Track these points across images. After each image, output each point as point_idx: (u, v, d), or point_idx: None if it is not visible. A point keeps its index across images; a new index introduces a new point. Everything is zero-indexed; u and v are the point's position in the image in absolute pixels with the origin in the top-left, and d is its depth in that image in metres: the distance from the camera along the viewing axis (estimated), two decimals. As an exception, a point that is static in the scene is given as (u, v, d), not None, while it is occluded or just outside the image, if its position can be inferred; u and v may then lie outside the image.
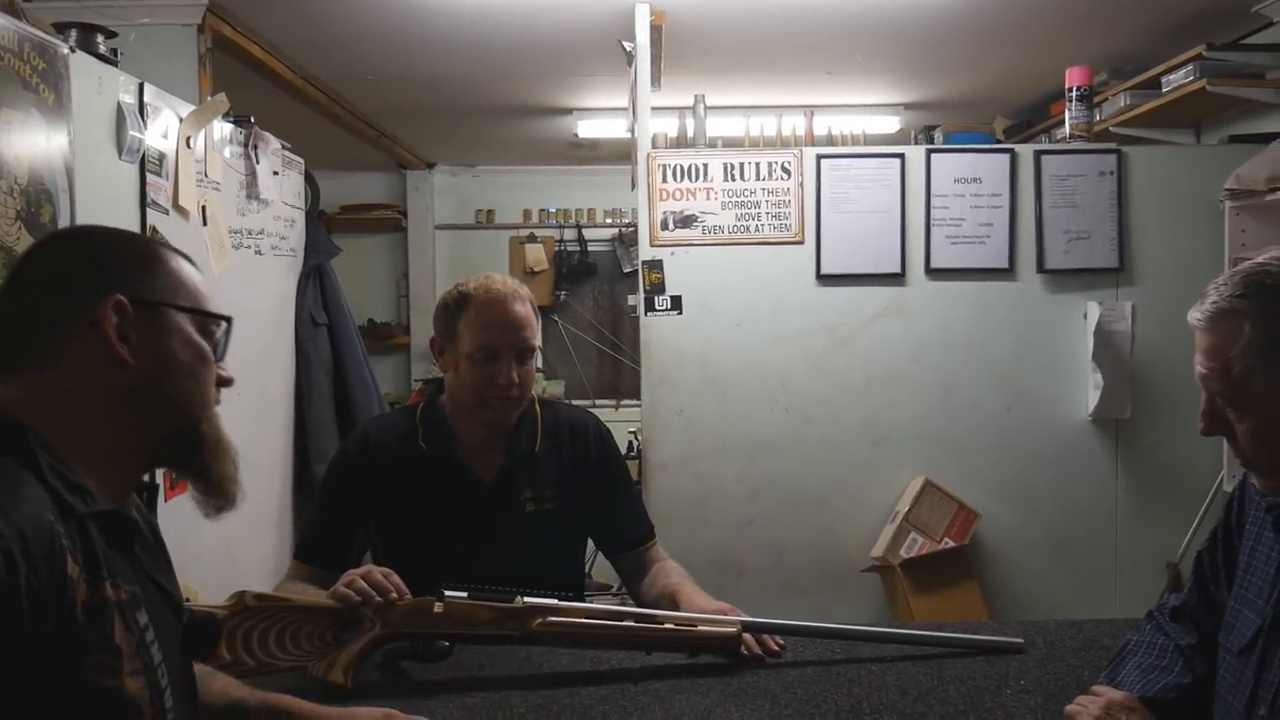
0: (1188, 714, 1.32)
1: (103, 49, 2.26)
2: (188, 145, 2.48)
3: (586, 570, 2.20)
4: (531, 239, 6.66)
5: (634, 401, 4.81)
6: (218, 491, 1.14)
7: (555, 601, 1.63)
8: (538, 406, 2.04)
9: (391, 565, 1.67)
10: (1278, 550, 1.23)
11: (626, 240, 6.49)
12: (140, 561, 1.05)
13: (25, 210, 1.80)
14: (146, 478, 1.17)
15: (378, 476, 1.97)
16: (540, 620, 1.61)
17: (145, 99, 2.31)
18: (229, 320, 1.16)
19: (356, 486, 1.98)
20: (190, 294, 1.11)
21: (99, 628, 0.95)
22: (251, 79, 3.73)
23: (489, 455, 1.99)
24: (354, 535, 1.99)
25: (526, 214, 6.68)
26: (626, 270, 6.55)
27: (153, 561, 1.09)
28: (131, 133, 2.22)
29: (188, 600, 1.20)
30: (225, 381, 1.15)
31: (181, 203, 2.45)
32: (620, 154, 5.36)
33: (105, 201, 2.14)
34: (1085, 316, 3.17)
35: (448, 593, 1.61)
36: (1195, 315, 1.22)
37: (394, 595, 1.60)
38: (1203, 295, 1.22)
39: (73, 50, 2.02)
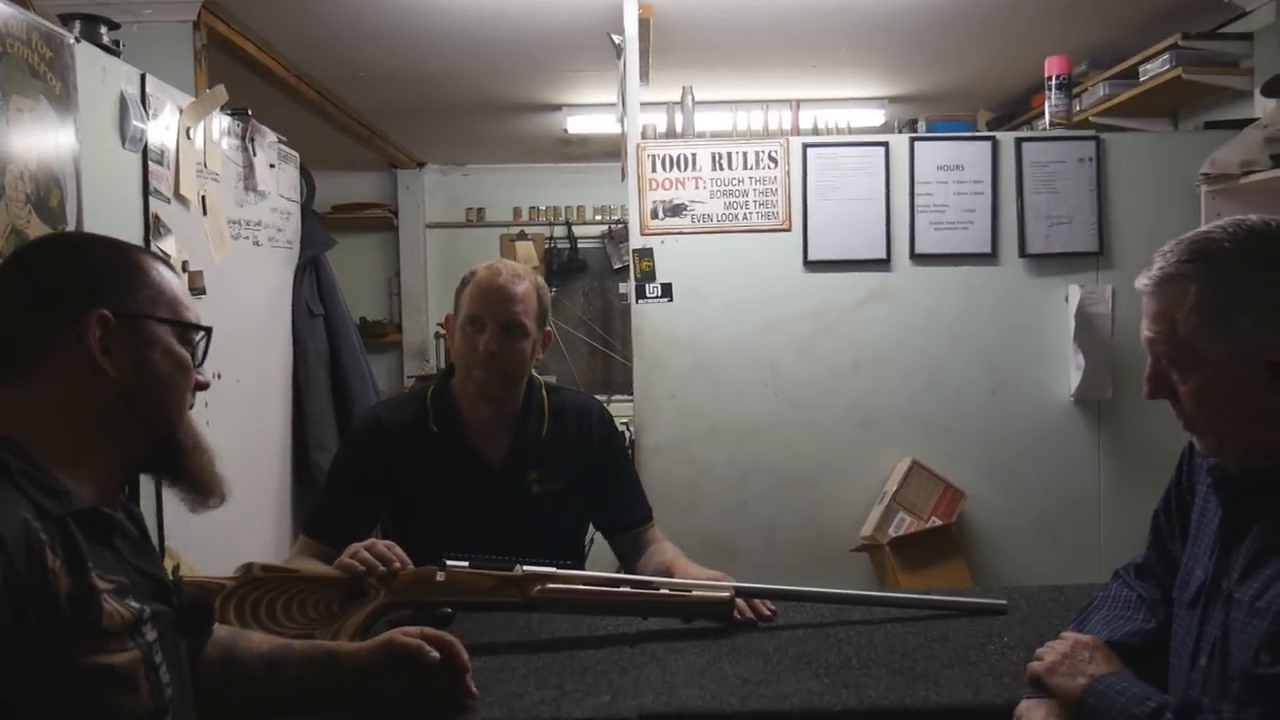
0: (1150, 659, 1.35)
1: (106, 40, 2.30)
2: (188, 136, 2.52)
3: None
4: (522, 236, 6.71)
5: (625, 396, 4.85)
6: (203, 489, 1.17)
7: (554, 569, 1.66)
8: (545, 392, 2.08)
9: (400, 543, 1.70)
10: (1218, 509, 1.27)
11: (616, 237, 6.54)
12: (122, 554, 1.08)
13: (35, 195, 1.84)
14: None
15: (388, 457, 2.00)
16: (539, 587, 1.65)
17: (147, 90, 2.35)
18: (208, 330, 1.18)
19: (366, 467, 2.01)
20: (171, 304, 1.14)
21: (85, 615, 0.98)
22: (246, 77, 3.76)
23: (497, 438, 2.03)
24: (362, 514, 2.02)
25: (516, 212, 6.73)
26: (616, 266, 6.60)
27: (136, 553, 1.12)
28: (134, 123, 2.26)
29: (183, 575, 1.24)
30: (202, 385, 1.19)
31: (182, 192, 2.49)
32: (608, 150, 5.42)
33: (110, 189, 2.18)
34: (1066, 299, 3.21)
35: (449, 562, 1.64)
36: (1143, 281, 1.25)
37: (397, 565, 1.63)
38: (1150, 263, 1.25)
39: (78, 40, 2.06)
